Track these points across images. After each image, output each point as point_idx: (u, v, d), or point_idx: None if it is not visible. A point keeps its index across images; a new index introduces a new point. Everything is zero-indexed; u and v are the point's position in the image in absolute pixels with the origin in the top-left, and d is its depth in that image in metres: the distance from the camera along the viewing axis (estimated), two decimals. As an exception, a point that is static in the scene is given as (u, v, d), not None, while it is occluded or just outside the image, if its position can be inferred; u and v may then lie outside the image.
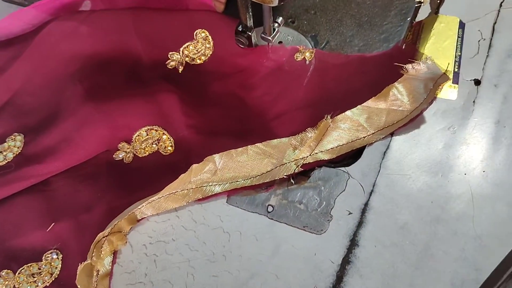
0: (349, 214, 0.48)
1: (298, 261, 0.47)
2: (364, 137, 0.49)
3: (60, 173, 0.50)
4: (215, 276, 0.47)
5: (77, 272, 0.44)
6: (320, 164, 0.49)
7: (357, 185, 0.49)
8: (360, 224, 0.48)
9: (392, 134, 0.50)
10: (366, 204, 0.48)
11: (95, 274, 0.46)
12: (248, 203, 0.50)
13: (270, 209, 0.49)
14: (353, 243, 0.47)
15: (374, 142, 0.49)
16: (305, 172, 0.50)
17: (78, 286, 0.44)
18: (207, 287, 0.47)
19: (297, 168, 0.48)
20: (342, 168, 0.50)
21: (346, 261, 0.47)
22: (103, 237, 0.46)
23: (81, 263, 0.44)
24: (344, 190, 0.49)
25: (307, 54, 0.54)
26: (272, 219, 0.49)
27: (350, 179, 0.49)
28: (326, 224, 0.48)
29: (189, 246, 0.48)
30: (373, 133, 0.49)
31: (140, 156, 0.51)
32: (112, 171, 0.50)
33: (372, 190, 0.49)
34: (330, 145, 0.48)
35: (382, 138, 0.50)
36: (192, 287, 0.47)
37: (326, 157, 0.48)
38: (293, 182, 0.50)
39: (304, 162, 0.48)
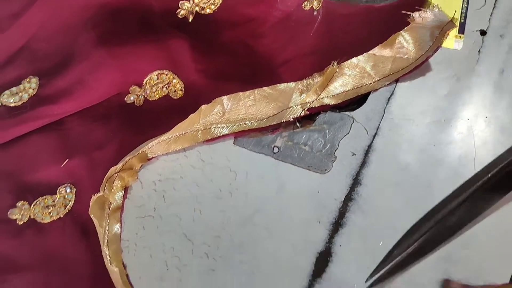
0: (353, 155, 0.49)
1: (302, 198, 0.48)
2: (369, 84, 0.50)
3: (74, 113, 0.52)
4: (221, 211, 0.48)
5: (90, 203, 0.46)
6: (325, 108, 0.50)
7: (361, 128, 0.50)
8: (363, 164, 0.49)
9: (397, 81, 0.51)
10: (369, 146, 0.50)
11: (107, 207, 0.47)
12: (254, 144, 0.51)
13: (275, 150, 0.50)
14: (356, 182, 0.48)
15: (379, 88, 0.50)
16: (310, 116, 0.51)
17: (91, 216, 0.46)
18: (214, 221, 0.48)
19: (303, 112, 0.49)
20: (347, 113, 0.51)
21: (348, 198, 0.48)
22: (115, 173, 0.47)
23: (94, 195, 0.46)
24: (348, 133, 0.50)
25: (315, 3, 0.55)
26: (277, 159, 0.50)
27: (355, 123, 0.51)
28: (330, 164, 0.49)
29: (196, 183, 0.50)
30: (378, 80, 0.50)
31: (150, 99, 0.52)
32: (124, 113, 0.52)
33: (375, 133, 0.50)
34: (336, 90, 0.50)
35: (387, 84, 0.50)
36: (199, 221, 0.48)
37: (331, 102, 0.49)
38: (298, 125, 0.51)
39: (310, 106, 0.49)
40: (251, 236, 0.47)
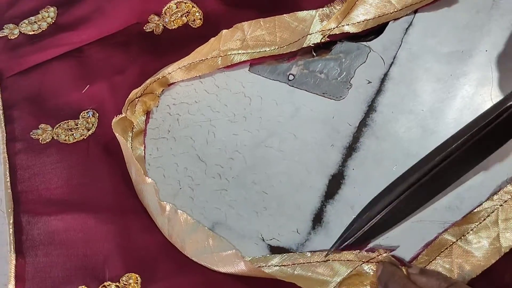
0: (369, 83, 0.49)
1: (316, 123, 0.48)
2: (391, 13, 0.50)
3: (93, 42, 0.53)
4: (235, 135, 0.48)
5: (112, 123, 0.46)
6: (345, 36, 0.50)
7: (378, 58, 0.50)
8: (378, 92, 0.49)
9: (415, 11, 0.51)
10: (385, 75, 0.50)
11: (129, 130, 0.48)
12: (269, 72, 0.51)
13: (291, 77, 0.50)
14: (371, 108, 0.48)
15: (400, 18, 0.50)
16: (326, 45, 0.51)
17: (115, 133, 0.46)
18: (227, 143, 0.48)
19: (323, 39, 0.49)
20: (364, 43, 0.51)
21: (363, 124, 0.48)
22: (136, 97, 0.48)
23: (116, 116, 0.46)
24: (364, 62, 0.50)
25: None
26: (292, 86, 0.50)
27: (371, 52, 0.50)
28: (346, 91, 0.49)
29: (211, 108, 0.50)
30: (400, 9, 0.50)
31: (170, 28, 0.53)
32: (143, 41, 0.53)
33: (392, 63, 0.50)
34: (357, 18, 0.49)
35: (407, 14, 0.50)
36: (213, 143, 0.48)
37: (352, 30, 0.49)
38: (314, 54, 0.51)
39: (330, 34, 0.48)
40: (264, 158, 0.47)
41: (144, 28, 0.54)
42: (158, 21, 0.52)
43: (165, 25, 0.53)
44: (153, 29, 0.53)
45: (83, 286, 0.42)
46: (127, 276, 0.43)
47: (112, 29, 0.53)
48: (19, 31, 0.53)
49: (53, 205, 0.45)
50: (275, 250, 0.43)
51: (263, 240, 0.44)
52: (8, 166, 0.47)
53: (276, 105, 0.49)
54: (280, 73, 0.51)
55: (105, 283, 0.42)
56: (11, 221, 0.44)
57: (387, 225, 0.43)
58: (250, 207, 0.45)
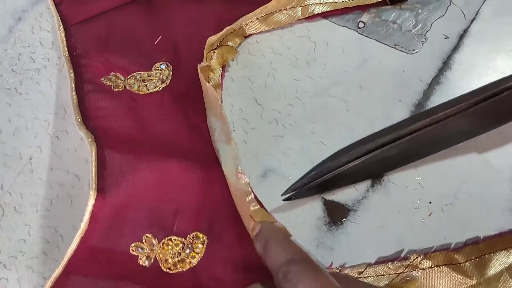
0: (446, 38, 0.45)
1: (384, 75, 0.44)
2: None
3: None
4: (296, 80, 0.45)
5: (199, 67, 0.43)
6: None
7: (458, 12, 0.46)
8: (456, 48, 0.45)
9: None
10: (465, 31, 0.45)
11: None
12: (338, 17, 0.47)
13: (361, 25, 0.46)
14: (446, 66, 0.44)
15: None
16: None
17: (203, 84, 0.43)
18: (287, 88, 0.45)
19: None
20: None
21: (436, 81, 0.44)
22: (212, 49, 0.45)
23: (198, 64, 0.43)
24: (443, 15, 0.45)
25: None
26: (362, 34, 0.46)
27: (452, 5, 0.46)
28: (419, 44, 0.45)
29: (272, 49, 0.46)
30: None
31: None
32: None
33: (474, 18, 0.46)
34: None
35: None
36: (272, 86, 0.45)
37: None
38: (388, 2, 0.46)
39: None
40: (325, 107, 0.43)
41: None
42: None
43: None
44: None
45: (149, 235, 0.38)
46: (195, 234, 0.39)
47: None
48: None
49: (133, 146, 0.41)
50: (329, 204, 0.41)
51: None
52: (77, 105, 0.43)
53: (342, 52, 0.45)
54: (350, 20, 0.47)
55: (171, 237, 0.39)
56: (94, 153, 0.39)
57: (352, 178, 0.41)
58: (306, 156, 0.42)
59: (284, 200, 0.41)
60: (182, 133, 0.44)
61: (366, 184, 0.41)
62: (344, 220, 0.40)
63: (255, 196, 0.39)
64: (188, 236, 0.40)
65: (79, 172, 0.43)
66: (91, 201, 0.38)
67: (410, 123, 0.39)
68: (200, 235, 0.40)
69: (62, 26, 0.44)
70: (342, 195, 0.41)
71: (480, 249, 0.39)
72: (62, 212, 0.42)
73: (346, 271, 0.38)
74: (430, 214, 0.40)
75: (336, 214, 0.40)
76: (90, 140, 0.38)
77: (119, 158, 0.39)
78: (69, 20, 0.47)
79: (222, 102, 0.46)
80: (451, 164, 0.41)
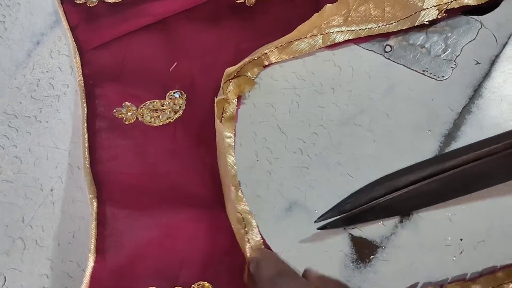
0: (477, 64, 0.43)
1: (412, 103, 0.43)
2: None
3: (179, 14, 0.47)
4: (321, 107, 0.44)
5: (216, 101, 0.42)
6: (465, 9, 0.45)
7: (490, 35, 0.44)
8: (487, 75, 0.43)
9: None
10: (497, 56, 0.43)
11: (220, 115, 0.43)
12: (364, 40, 0.45)
13: (387, 49, 0.44)
14: (477, 93, 0.43)
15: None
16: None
17: (217, 121, 0.43)
18: (311, 116, 0.43)
19: (439, 14, 0.43)
20: (474, 17, 0.44)
21: (467, 110, 0.42)
22: (229, 79, 0.43)
23: (215, 97, 0.42)
24: (474, 39, 0.43)
25: None
26: (388, 59, 0.44)
27: (483, 28, 0.44)
28: (449, 71, 0.43)
29: (296, 74, 0.45)
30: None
31: None
32: (236, 14, 0.47)
33: (506, 42, 0.44)
34: None
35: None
36: (296, 114, 0.44)
37: (472, 2, 0.42)
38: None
39: (447, 8, 0.42)
40: (352, 137, 0.42)
41: None
42: None
43: None
44: (245, 1, 0.46)
45: None
46: (200, 284, 0.39)
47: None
48: None
49: (139, 195, 0.41)
50: (357, 241, 0.39)
51: (344, 228, 0.39)
52: (87, 146, 0.42)
53: (368, 78, 0.44)
54: (376, 43, 0.46)
55: None
56: (95, 211, 0.38)
57: (384, 213, 0.40)
58: (332, 189, 0.41)
59: (318, 229, 0.41)
60: (193, 173, 0.43)
61: (394, 219, 0.40)
62: (372, 258, 0.39)
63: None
64: (193, 286, 0.39)
65: (101, 204, 0.42)
66: (90, 264, 0.38)
67: (450, 158, 0.38)
68: (206, 285, 0.39)
69: (78, 52, 0.43)
70: (369, 231, 0.40)
71: (498, 278, 0.38)
72: (85, 246, 0.41)
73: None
74: (461, 252, 0.39)
75: (364, 251, 0.39)
76: (91, 196, 0.38)
77: (122, 215, 0.39)
78: (85, 45, 0.46)
79: (235, 135, 0.45)
80: (483, 199, 0.40)
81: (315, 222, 0.40)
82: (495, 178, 0.38)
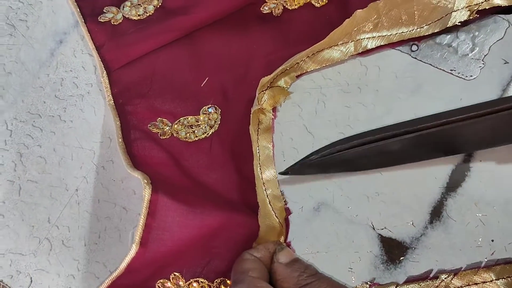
0: (505, 63, 0.42)
1: (441, 103, 0.43)
2: None
3: (205, 27, 0.46)
4: (347, 107, 0.43)
5: (251, 116, 0.42)
6: (496, 10, 0.44)
7: (518, 34, 0.43)
8: (516, 74, 0.42)
9: None
10: (526, 55, 0.42)
11: (256, 126, 0.43)
12: (390, 39, 0.44)
13: (414, 48, 0.44)
14: (505, 93, 0.43)
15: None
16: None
17: (251, 131, 0.43)
18: (338, 116, 0.43)
19: (471, 15, 0.43)
20: (502, 15, 0.43)
21: (496, 110, 0.41)
22: (263, 91, 0.43)
23: (252, 108, 0.41)
24: (501, 38, 0.43)
25: None
26: (415, 58, 0.44)
27: (510, 27, 0.43)
28: (477, 70, 0.42)
29: (322, 73, 0.45)
30: None
31: (290, 8, 0.47)
32: (263, 25, 0.47)
33: (535, 41, 0.42)
34: None
35: None
36: (322, 113, 0.43)
37: (503, 3, 0.41)
38: (443, 24, 0.44)
39: (478, 9, 0.41)
40: (379, 137, 0.41)
41: (261, 9, 0.47)
42: (276, 0, 0.46)
43: (284, 5, 0.46)
44: (272, 10, 0.46)
45: (177, 273, 0.39)
46: (222, 279, 0.40)
47: (226, 10, 0.46)
48: (123, 16, 0.46)
49: (186, 194, 0.40)
50: (386, 241, 0.39)
51: (373, 228, 0.40)
52: (125, 151, 0.42)
53: (395, 78, 0.43)
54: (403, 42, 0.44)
55: (199, 279, 0.39)
56: (147, 198, 0.37)
57: (345, 166, 0.41)
58: (360, 190, 0.40)
59: (280, 173, 0.42)
60: (232, 185, 0.43)
61: (424, 220, 0.40)
62: (402, 259, 0.39)
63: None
64: (216, 280, 0.40)
65: (127, 204, 0.42)
66: (131, 253, 0.37)
67: (420, 122, 0.39)
68: (228, 282, 0.40)
69: (105, 71, 0.42)
70: (399, 232, 0.40)
71: None
72: (111, 247, 0.41)
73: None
74: (492, 253, 0.38)
75: (394, 252, 0.39)
76: (146, 181, 0.37)
77: (173, 207, 0.37)
78: (112, 64, 0.44)
79: (274, 146, 0.45)
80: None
81: (280, 173, 0.41)
82: (465, 145, 0.41)
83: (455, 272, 0.38)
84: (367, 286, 0.38)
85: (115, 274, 0.37)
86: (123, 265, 0.36)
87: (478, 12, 0.43)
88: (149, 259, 0.37)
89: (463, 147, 0.40)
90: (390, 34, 0.43)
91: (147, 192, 0.37)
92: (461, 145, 0.40)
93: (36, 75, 0.46)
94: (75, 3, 0.47)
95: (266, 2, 0.48)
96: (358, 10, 0.43)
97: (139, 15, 0.47)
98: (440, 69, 0.44)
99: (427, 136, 0.38)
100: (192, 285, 0.40)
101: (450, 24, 0.43)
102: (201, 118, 0.44)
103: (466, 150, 0.41)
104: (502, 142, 0.39)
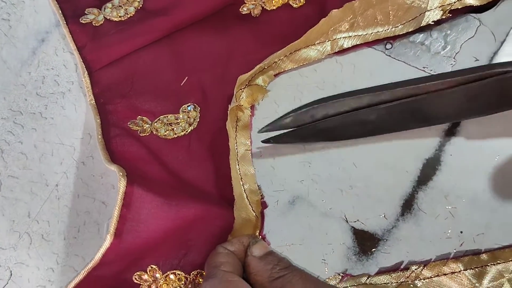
0: (476, 60, 0.44)
1: (413, 99, 0.43)
2: None
3: (186, 27, 0.48)
4: (323, 103, 0.43)
5: (229, 110, 0.44)
6: (468, 10, 0.46)
7: (489, 33, 0.45)
8: (486, 71, 0.43)
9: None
10: (495, 53, 0.44)
11: (234, 125, 0.44)
12: (365, 38, 0.45)
13: (388, 46, 0.45)
14: (476, 89, 0.42)
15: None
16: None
17: (228, 128, 0.44)
18: (314, 112, 0.43)
19: (444, 14, 0.44)
20: (473, 14, 0.45)
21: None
22: (241, 89, 0.44)
23: (230, 106, 0.43)
24: (473, 37, 0.44)
25: None
26: (389, 56, 0.45)
27: (481, 26, 0.45)
28: (449, 67, 0.44)
29: (298, 72, 0.46)
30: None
31: (268, 9, 0.48)
32: (242, 25, 0.48)
33: (504, 40, 0.44)
34: None
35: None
36: (298, 110, 0.43)
37: (475, 2, 0.43)
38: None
39: (451, 8, 0.43)
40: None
41: (240, 10, 0.48)
42: (255, 1, 0.47)
43: (263, 5, 0.47)
44: (250, 11, 0.47)
45: (154, 266, 0.39)
46: (199, 271, 0.41)
47: (206, 11, 0.47)
48: (104, 17, 0.47)
49: (163, 187, 0.41)
50: (359, 233, 0.41)
51: (347, 221, 0.41)
52: (104, 146, 0.42)
53: (370, 75, 0.45)
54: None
55: (176, 271, 0.40)
56: (122, 190, 0.37)
57: (324, 136, 0.41)
58: (334, 184, 0.41)
59: (262, 141, 0.43)
60: (210, 181, 0.44)
61: (396, 213, 0.41)
62: (374, 250, 0.40)
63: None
64: (193, 272, 0.41)
65: (106, 199, 0.43)
66: (106, 244, 0.38)
67: (395, 86, 0.40)
68: (204, 274, 0.40)
69: (87, 72, 0.43)
70: (371, 224, 0.42)
71: (482, 259, 0.40)
72: (90, 240, 0.41)
73: (346, 282, 0.41)
74: (461, 245, 0.39)
75: (366, 244, 0.40)
76: (121, 174, 0.38)
77: (148, 199, 0.38)
78: (93, 65, 0.44)
79: (251, 143, 0.46)
80: (483, 192, 0.41)
81: (258, 132, 0.41)
82: (438, 117, 0.42)
83: (425, 263, 0.39)
84: (340, 277, 0.39)
85: (90, 265, 0.37)
86: (98, 255, 0.36)
87: (451, 11, 0.44)
88: (124, 250, 0.37)
89: (440, 116, 0.41)
90: (366, 34, 0.44)
91: (122, 184, 0.38)
92: (437, 114, 0.41)
93: (18, 73, 0.46)
94: (57, 5, 0.48)
95: (245, 3, 0.49)
96: (334, 10, 0.44)
97: (120, 17, 0.48)
98: (413, 66, 0.45)
99: (402, 106, 0.39)
100: (169, 277, 0.40)
101: (424, 23, 0.44)
102: (181, 116, 0.45)
103: (443, 120, 0.42)
104: (478, 113, 0.41)
